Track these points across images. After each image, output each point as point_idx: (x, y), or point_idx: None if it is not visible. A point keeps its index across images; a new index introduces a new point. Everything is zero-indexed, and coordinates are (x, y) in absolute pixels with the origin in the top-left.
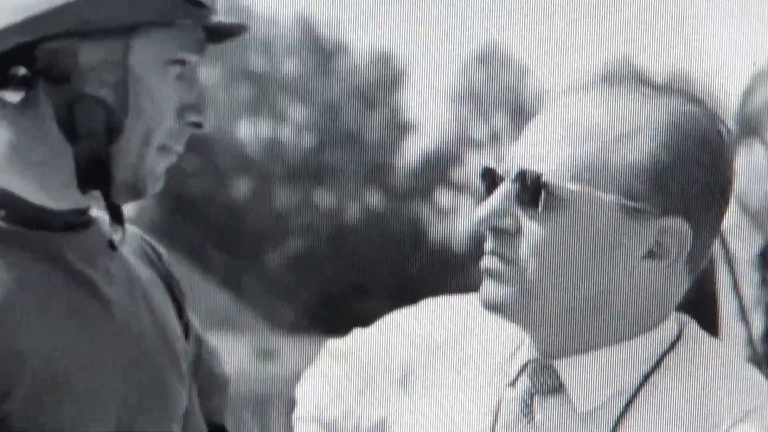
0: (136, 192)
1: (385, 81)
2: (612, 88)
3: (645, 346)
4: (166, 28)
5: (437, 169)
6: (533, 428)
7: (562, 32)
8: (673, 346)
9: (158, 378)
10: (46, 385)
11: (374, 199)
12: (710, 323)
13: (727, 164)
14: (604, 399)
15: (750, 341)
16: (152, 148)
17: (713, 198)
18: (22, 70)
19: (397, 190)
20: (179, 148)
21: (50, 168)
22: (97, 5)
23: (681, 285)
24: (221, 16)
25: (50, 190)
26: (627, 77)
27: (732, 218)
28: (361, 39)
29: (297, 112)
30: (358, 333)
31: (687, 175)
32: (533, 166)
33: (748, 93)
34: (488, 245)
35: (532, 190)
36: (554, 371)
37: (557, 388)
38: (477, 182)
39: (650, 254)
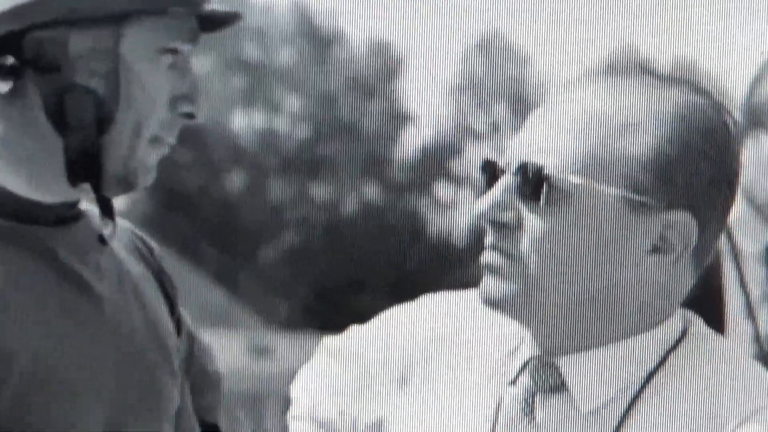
0: (127, 185)
1: (382, 70)
2: (616, 78)
3: (649, 344)
4: (157, 16)
5: (436, 161)
6: (535, 428)
7: (564, 20)
8: (677, 343)
9: (149, 376)
10: (34, 384)
11: (371, 191)
12: (716, 320)
13: (733, 156)
14: (607, 398)
15: (757, 338)
16: (144, 140)
17: (719, 191)
18: (10, 60)
19: (395, 182)
20: (171, 139)
21: (38, 160)
22: None
23: (686, 280)
24: (215, 4)
25: (38, 183)
26: (631, 67)
27: (738, 212)
28: (358, 27)
29: (292, 103)
30: (355, 330)
31: (692, 168)
32: (535, 158)
33: (755, 83)
34: (488, 240)
35: (533, 183)
36: (556, 369)
37: (559, 386)
38: (477, 175)
39: (655, 249)
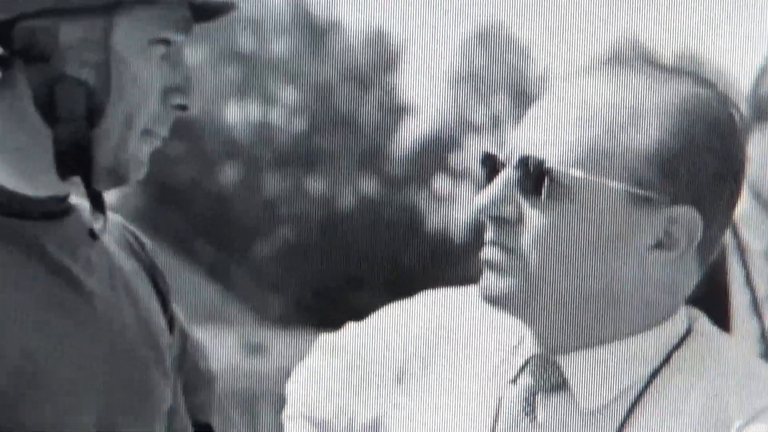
0: (118, 178)
1: (380, 61)
2: (619, 70)
3: (653, 342)
4: (149, 5)
5: (435, 155)
6: (536, 427)
7: (566, 11)
8: (682, 341)
9: (141, 374)
10: (23, 382)
11: (368, 185)
12: (721, 317)
13: (739, 150)
14: (610, 397)
15: (763, 336)
16: (135, 132)
17: (725, 185)
18: None
19: (393, 176)
20: (164, 132)
21: (27, 152)
22: None
23: (691, 277)
24: None
25: (27, 176)
26: (635, 58)
27: (744, 207)
28: (355, 17)
29: (287, 95)
30: (351, 327)
31: (697, 162)
32: (536, 151)
33: (761, 74)
34: (488, 235)
35: (534, 177)
36: (558, 368)
37: (561, 385)
38: (477, 168)
39: (659, 245)
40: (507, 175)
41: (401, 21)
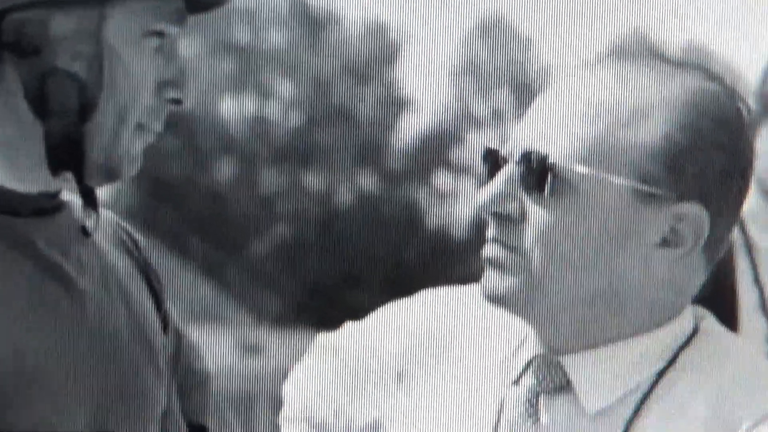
0: (111, 174)
1: (379, 54)
2: (624, 63)
3: (659, 342)
4: None
5: (435, 150)
6: (539, 429)
7: (569, 2)
8: (689, 341)
9: (134, 375)
10: (14, 383)
11: (367, 181)
12: (729, 317)
13: (747, 145)
14: (615, 398)
15: None
16: (128, 127)
17: (732, 182)
18: None
19: (393, 172)
20: (158, 126)
21: (17, 147)
22: None
23: (697, 275)
24: None
25: (17, 172)
26: (640, 51)
27: (752, 203)
28: (354, 9)
29: (284, 88)
30: (350, 327)
31: (704, 158)
32: (539, 147)
33: None
34: (490, 232)
35: (537, 173)
36: (561, 368)
37: (564, 386)
38: (478, 164)
39: (665, 242)
40: (509, 170)
41: (401, 13)
